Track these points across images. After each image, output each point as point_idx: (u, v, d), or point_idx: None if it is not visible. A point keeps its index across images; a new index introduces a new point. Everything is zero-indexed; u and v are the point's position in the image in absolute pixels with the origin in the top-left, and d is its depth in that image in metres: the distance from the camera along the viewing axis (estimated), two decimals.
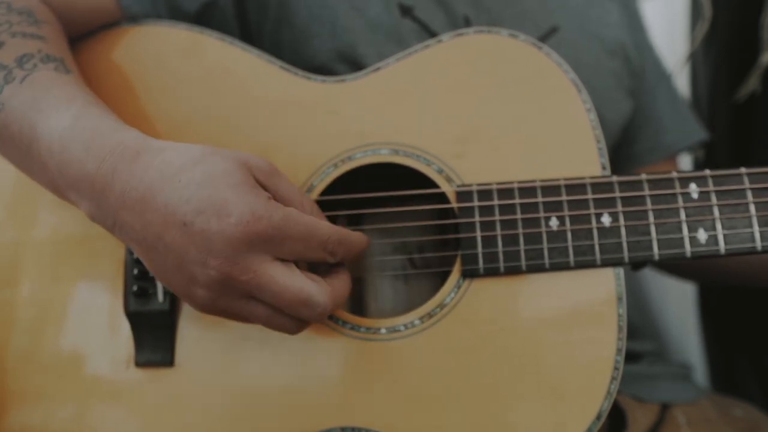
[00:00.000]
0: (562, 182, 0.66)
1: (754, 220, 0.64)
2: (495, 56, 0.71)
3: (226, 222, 0.53)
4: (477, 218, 0.66)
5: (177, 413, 0.67)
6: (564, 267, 0.65)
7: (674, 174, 0.66)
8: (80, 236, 0.72)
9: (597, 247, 0.64)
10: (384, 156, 0.69)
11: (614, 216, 0.65)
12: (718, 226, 0.64)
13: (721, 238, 0.64)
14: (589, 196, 0.65)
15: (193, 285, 0.56)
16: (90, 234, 0.71)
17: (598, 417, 0.61)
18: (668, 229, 0.65)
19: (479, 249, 0.65)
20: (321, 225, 0.58)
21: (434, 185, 0.68)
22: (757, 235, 0.64)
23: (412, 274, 0.77)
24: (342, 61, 0.79)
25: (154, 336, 0.68)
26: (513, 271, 0.65)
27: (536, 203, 0.66)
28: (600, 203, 0.65)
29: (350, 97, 0.72)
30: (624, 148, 0.95)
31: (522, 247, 0.65)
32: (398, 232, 0.76)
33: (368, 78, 0.72)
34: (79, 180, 0.59)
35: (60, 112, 0.62)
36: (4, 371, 0.70)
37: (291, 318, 0.58)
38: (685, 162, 1.11)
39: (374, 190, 0.69)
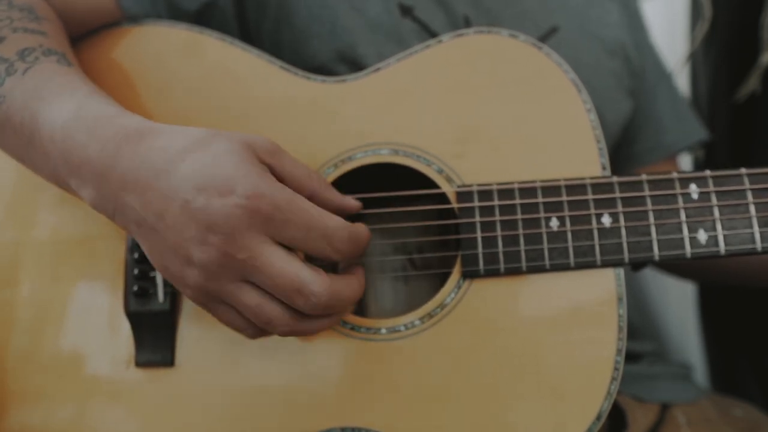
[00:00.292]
0: (562, 182, 0.66)
1: (755, 221, 0.64)
2: (495, 56, 0.71)
3: (228, 198, 0.53)
4: (477, 219, 0.66)
5: (177, 413, 0.67)
6: (564, 267, 0.65)
7: (674, 174, 0.66)
8: (80, 236, 0.72)
9: (597, 248, 0.65)
10: (384, 156, 0.70)
11: (614, 216, 0.65)
12: (719, 226, 0.64)
13: (721, 238, 0.64)
14: (590, 196, 0.66)
15: (188, 266, 0.56)
16: (90, 234, 0.71)
17: (598, 417, 0.61)
18: (668, 229, 0.65)
19: (479, 249, 0.65)
20: (328, 217, 0.57)
21: (434, 185, 0.68)
22: (757, 236, 0.64)
23: (413, 274, 0.77)
24: (342, 61, 0.79)
25: (154, 336, 0.68)
26: (513, 271, 0.65)
27: (536, 204, 0.66)
28: (600, 204, 0.65)
29: (350, 98, 0.72)
30: (624, 148, 0.95)
31: (522, 247, 0.65)
32: (398, 232, 0.76)
33: (368, 78, 0.72)
34: (81, 165, 0.59)
35: (63, 101, 0.62)
36: (4, 371, 0.70)
37: (283, 308, 0.56)
38: (685, 162, 1.11)
39: (374, 191, 0.69)
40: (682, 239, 0.64)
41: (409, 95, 0.71)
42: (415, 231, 0.76)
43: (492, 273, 0.65)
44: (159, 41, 0.76)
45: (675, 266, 0.97)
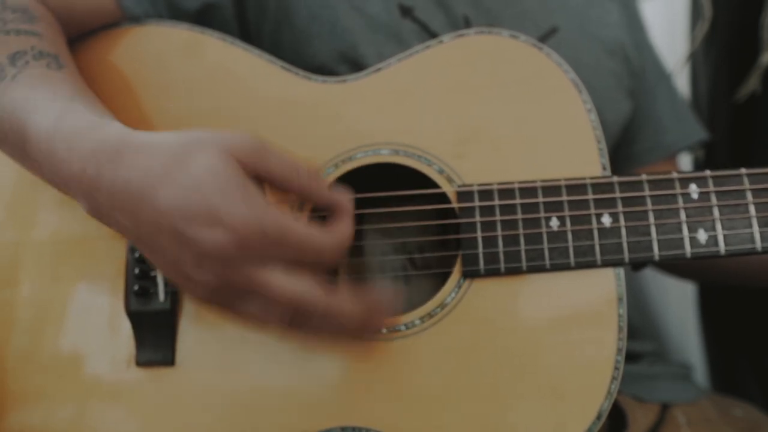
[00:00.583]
0: (562, 182, 0.66)
1: (754, 221, 0.64)
2: (495, 57, 0.71)
3: (215, 229, 0.52)
4: (478, 218, 0.66)
5: (177, 413, 0.67)
6: (564, 267, 0.65)
7: (674, 174, 0.66)
8: (80, 236, 0.72)
9: (597, 248, 0.65)
10: (385, 156, 0.70)
11: (615, 216, 0.65)
12: (718, 226, 0.64)
13: (721, 238, 0.64)
14: (590, 196, 0.66)
15: (191, 282, 0.56)
16: (90, 234, 0.71)
17: (599, 417, 0.61)
18: (668, 229, 0.65)
19: (480, 249, 0.65)
20: (318, 236, 0.56)
21: (435, 185, 0.68)
22: (757, 236, 0.64)
23: (413, 274, 0.77)
24: (342, 62, 0.79)
25: (155, 335, 0.68)
26: (513, 271, 0.65)
27: (537, 203, 0.66)
28: (600, 203, 0.65)
29: (351, 98, 0.72)
30: (624, 148, 0.95)
31: (522, 247, 0.65)
32: (399, 232, 0.76)
33: (369, 78, 0.72)
34: (68, 181, 0.59)
35: (45, 111, 0.62)
36: (4, 371, 0.70)
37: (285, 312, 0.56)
38: (685, 162, 1.11)
39: (375, 191, 0.69)
40: (681, 239, 0.64)
41: (410, 95, 0.71)
42: (415, 231, 0.76)
43: (492, 273, 0.65)
44: (160, 41, 0.76)
45: (675, 266, 0.97)
